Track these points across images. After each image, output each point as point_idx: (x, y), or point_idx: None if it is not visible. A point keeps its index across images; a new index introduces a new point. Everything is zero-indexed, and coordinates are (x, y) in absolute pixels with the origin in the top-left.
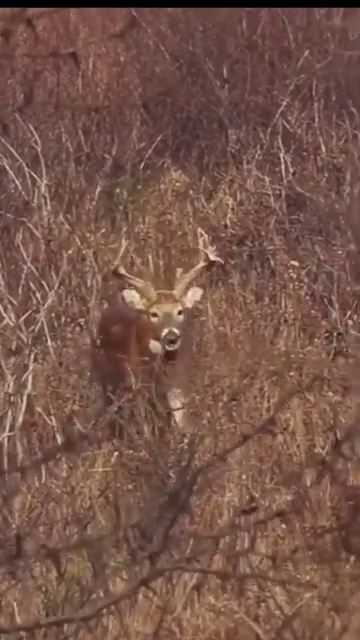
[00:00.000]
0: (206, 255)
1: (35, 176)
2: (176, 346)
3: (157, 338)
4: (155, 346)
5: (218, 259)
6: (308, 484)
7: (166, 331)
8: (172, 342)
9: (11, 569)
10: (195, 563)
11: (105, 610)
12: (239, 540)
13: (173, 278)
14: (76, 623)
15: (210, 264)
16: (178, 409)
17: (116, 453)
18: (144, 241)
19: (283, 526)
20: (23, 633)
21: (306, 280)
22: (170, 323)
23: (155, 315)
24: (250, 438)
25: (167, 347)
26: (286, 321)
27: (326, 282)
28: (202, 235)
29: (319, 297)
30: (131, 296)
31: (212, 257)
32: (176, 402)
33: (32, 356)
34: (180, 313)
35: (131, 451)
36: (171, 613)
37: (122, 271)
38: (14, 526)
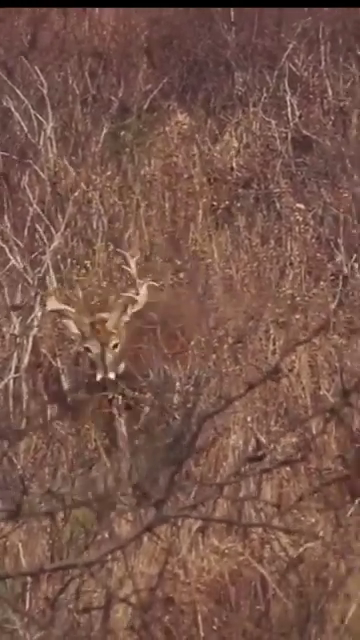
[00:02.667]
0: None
1: (41, 118)
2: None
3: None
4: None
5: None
6: (314, 429)
7: (99, 377)
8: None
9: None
10: (200, 509)
11: (110, 555)
12: (244, 485)
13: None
14: (80, 569)
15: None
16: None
17: (120, 397)
18: (150, 184)
19: (288, 469)
20: (28, 578)
21: (312, 223)
22: (103, 363)
23: (89, 350)
24: (255, 387)
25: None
26: (292, 264)
27: (332, 225)
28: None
29: (325, 240)
30: (68, 325)
31: (141, 299)
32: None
33: (38, 298)
34: (116, 347)
35: (136, 393)
36: (176, 555)
37: (53, 306)
38: (19, 467)
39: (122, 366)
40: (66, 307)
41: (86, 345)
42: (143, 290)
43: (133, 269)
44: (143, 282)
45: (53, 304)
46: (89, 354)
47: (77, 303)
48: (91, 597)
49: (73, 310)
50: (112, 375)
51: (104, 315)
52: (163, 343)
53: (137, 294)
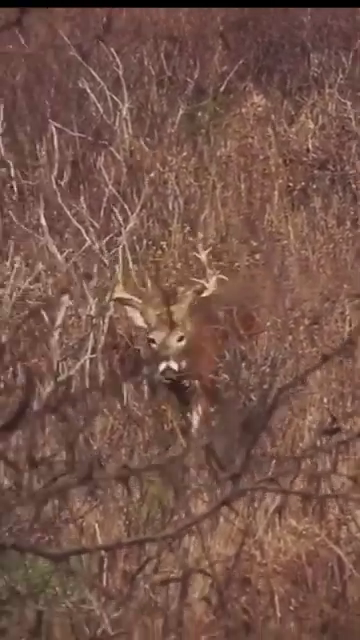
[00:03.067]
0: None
1: (117, 99)
2: (174, 376)
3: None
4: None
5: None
6: None
7: (163, 366)
8: (169, 378)
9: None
10: (277, 484)
11: (186, 530)
12: (320, 462)
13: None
14: (157, 542)
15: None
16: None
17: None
18: (225, 165)
19: None
20: (104, 553)
21: None
22: (167, 353)
23: (153, 342)
24: (330, 359)
25: (164, 381)
26: None
27: None
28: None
29: None
30: (132, 312)
31: (210, 288)
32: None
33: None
34: (181, 339)
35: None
36: (252, 536)
37: (120, 294)
38: (95, 448)
39: (184, 363)
40: (133, 297)
41: (151, 336)
42: (212, 281)
43: (204, 259)
44: (213, 273)
45: (120, 293)
46: (152, 345)
47: (144, 294)
48: (169, 575)
49: (140, 301)
50: (175, 366)
51: (172, 307)
52: (239, 324)
53: (207, 283)
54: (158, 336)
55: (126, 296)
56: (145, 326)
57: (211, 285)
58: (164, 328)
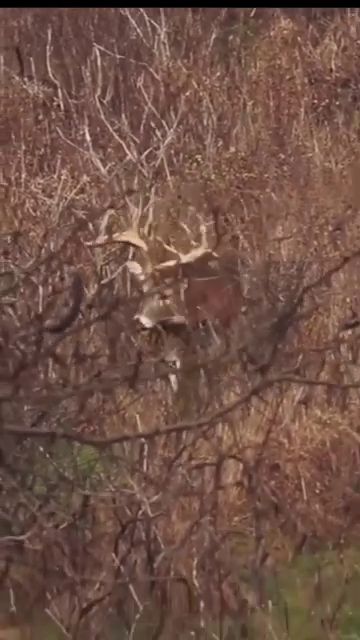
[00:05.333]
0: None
1: (155, 24)
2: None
3: None
4: None
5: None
6: None
7: (135, 317)
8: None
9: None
10: (302, 376)
11: (220, 419)
12: (343, 356)
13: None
14: (193, 430)
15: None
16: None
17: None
18: (255, 84)
19: None
20: (144, 440)
21: None
22: (142, 307)
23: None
24: (351, 261)
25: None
26: None
27: None
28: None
29: None
30: (132, 265)
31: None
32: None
33: (153, 190)
34: (165, 298)
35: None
36: (280, 425)
37: (128, 238)
38: (136, 345)
39: (175, 318)
40: (141, 244)
41: (140, 288)
42: (198, 252)
43: (203, 234)
44: (206, 247)
45: (131, 237)
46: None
47: (151, 243)
48: (204, 461)
49: (146, 249)
50: (144, 321)
51: (168, 264)
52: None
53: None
54: (146, 289)
55: (136, 242)
56: (140, 277)
57: (193, 255)
58: (150, 284)
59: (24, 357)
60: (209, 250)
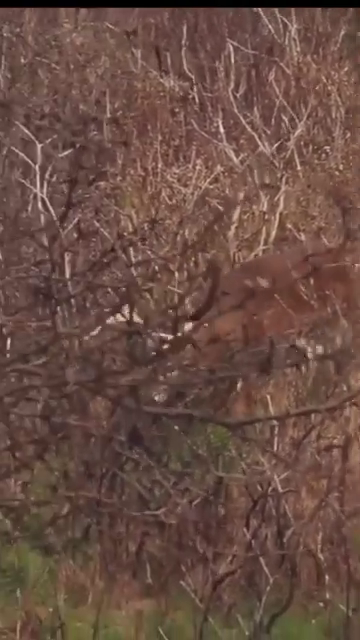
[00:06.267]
0: None
1: (286, 21)
2: None
3: None
4: None
5: None
6: None
7: None
8: None
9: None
10: None
11: (348, 402)
12: None
13: None
14: (321, 413)
15: None
16: None
17: None
18: None
19: None
20: (275, 422)
21: None
22: None
23: None
24: None
25: None
26: None
27: None
28: None
29: None
30: None
31: None
32: None
33: (284, 179)
34: None
35: None
36: None
37: None
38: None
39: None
40: None
41: None
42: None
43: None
44: None
45: None
46: None
47: None
48: (331, 441)
49: None
50: None
51: None
52: None
53: None
54: None
55: None
56: None
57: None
58: None
59: (161, 342)
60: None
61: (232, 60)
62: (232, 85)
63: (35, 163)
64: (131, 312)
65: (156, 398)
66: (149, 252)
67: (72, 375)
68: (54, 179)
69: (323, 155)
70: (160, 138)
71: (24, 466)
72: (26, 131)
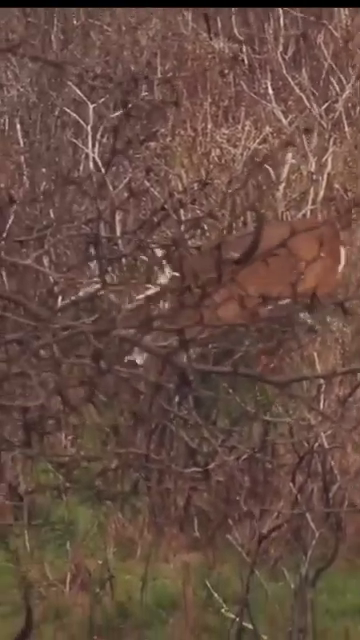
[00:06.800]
0: None
1: None
2: None
3: None
4: None
5: None
6: None
7: None
8: None
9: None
10: None
11: None
12: None
13: None
14: None
15: None
16: None
17: None
18: None
19: None
20: (322, 380)
21: None
22: None
23: None
24: None
25: None
26: None
27: None
28: None
29: None
30: None
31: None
32: None
33: (331, 140)
34: None
35: None
36: None
37: None
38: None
39: None
40: None
41: None
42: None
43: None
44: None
45: None
46: None
47: None
48: None
49: None
50: None
51: None
52: None
53: None
54: None
55: None
56: None
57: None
58: None
59: (205, 288)
60: None
61: (281, 23)
62: (281, 47)
63: (87, 124)
64: (181, 270)
65: (138, 361)
66: (198, 211)
67: (120, 321)
68: (105, 139)
69: None
70: (210, 99)
71: (73, 410)
72: (78, 92)
